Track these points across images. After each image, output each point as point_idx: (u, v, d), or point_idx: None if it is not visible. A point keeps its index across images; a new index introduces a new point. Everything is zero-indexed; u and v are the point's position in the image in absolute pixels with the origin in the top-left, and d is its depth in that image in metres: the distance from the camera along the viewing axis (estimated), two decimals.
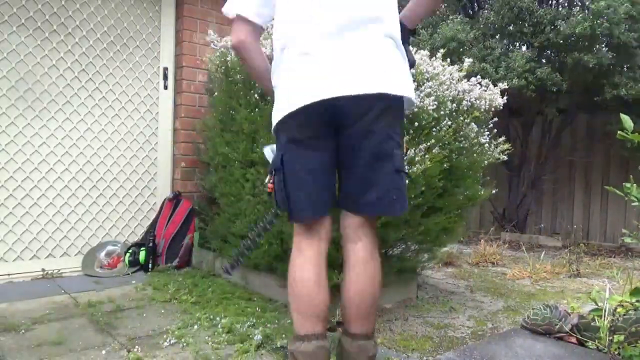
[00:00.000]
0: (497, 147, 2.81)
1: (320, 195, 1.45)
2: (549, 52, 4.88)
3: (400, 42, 1.47)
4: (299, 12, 1.43)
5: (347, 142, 1.44)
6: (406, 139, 1.95)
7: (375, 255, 1.47)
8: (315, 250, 1.46)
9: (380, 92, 1.35)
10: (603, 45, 4.53)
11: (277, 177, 1.45)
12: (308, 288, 1.42)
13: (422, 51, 2.53)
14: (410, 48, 1.58)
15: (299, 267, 1.45)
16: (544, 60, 4.89)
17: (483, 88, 2.72)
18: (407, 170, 1.54)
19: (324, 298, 1.43)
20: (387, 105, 1.40)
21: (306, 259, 1.45)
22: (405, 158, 1.62)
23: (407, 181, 1.56)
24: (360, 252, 1.47)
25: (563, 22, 4.50)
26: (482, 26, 5.12)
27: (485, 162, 2.75)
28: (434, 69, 2.50)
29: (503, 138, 2.92)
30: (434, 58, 2.58)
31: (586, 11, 4.52)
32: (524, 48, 4.98)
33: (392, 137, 1.42)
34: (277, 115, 1.46)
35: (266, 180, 1.50)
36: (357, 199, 1.46)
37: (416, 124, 2.26)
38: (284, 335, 2.06)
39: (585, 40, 4.39)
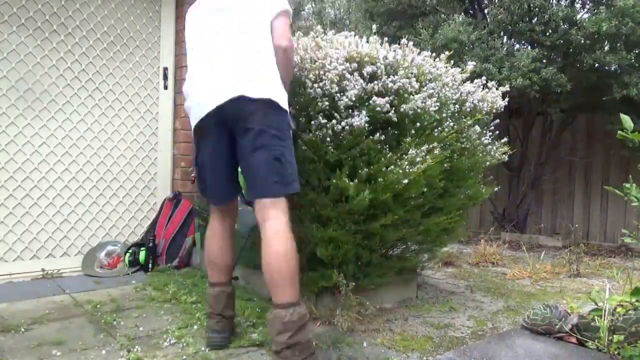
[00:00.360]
0: (498, 149, 2.82)
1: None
2: (561, 51, 4.74)
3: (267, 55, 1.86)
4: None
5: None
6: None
7: (281, 233, 1.70)
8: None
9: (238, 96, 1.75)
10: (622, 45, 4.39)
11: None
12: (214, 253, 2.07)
13: (424, 52, 2.53)
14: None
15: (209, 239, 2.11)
16: (558, 59, 4.78)
17: (486, 90, 2.72)
18: (287, 157, 1.80)
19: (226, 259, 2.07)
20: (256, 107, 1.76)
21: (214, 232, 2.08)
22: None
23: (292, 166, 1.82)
24: (268, 231, 1.72)
25: (585, 18, 4.38)
26: (488, 24, 5.08)
27: (487, 163, 2.75)
28: (437, 69, 2.50)
29: (505, 139, 2.93)
30: (437, 59, 2.58)
31: (602, 9, 4.41)
32: (529, 47, 4.94)
33: (266, 130, 1.74)
34: None
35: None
36: (251, 185, 1.81)
37: (418, 124, 2.26)
38: None
39: (607, 39, 4.29)
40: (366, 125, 2.11)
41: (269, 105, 1.78)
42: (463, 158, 2.55)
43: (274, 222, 1.72)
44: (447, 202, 2.55)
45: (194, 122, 1.88)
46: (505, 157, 2.88)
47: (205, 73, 1.87)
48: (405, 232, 2.43)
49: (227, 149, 1.86)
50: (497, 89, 2.78)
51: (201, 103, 1.83)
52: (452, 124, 2.40)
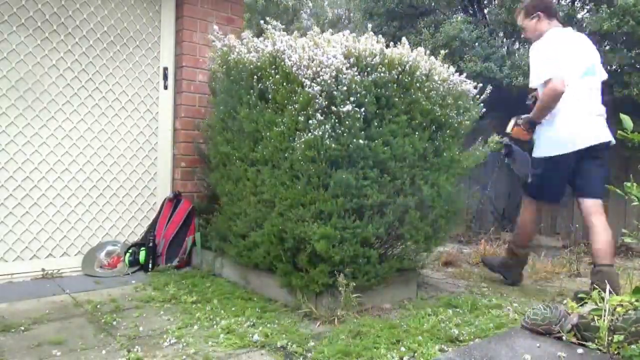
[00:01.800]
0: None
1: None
2: None
3: None
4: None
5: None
6: None
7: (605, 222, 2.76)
8: None
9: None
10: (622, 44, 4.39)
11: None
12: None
13: (419, 48, 2.55)
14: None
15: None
16: None
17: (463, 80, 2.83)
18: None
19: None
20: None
21: None
22: None
23: None
24: (597, 222, 2.75)
25: (586, 17, 4.38)
26: (488, 23, 5.09)
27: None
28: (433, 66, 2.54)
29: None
30: (437, 59, 2.62)
31: (603, 7, 4.40)
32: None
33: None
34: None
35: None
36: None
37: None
38: (283, 335, 2.06)
39: (608, 38, 4.27)
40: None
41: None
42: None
43: (602, 218, 2.77)
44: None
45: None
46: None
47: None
48: (404, 230, 2.44)
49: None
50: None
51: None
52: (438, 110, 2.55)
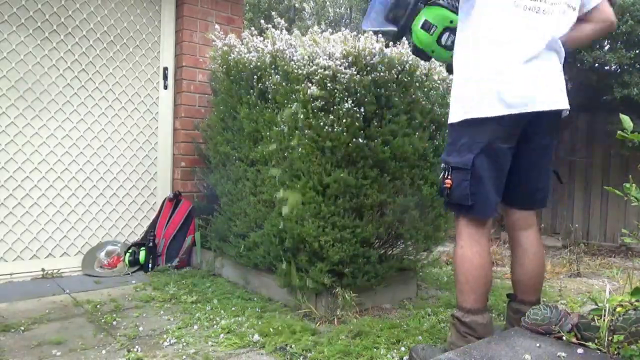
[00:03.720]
0: None
1: (498, 197, 1.76)
2: None
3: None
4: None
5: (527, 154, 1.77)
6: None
7: (540, 240, 1.88)
8: (487, 241, 1.77)
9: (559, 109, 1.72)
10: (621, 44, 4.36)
11: (460, 175, 1.67)
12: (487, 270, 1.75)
13: None
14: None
15: (477, 255, 1.72)
16: None
17: None
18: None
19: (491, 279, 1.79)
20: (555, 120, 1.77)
21: (482, 247, 1.74)
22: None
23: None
24: (530, 238, 1.85)
25: None
26: None
27: None
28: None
29: None
30: None
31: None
32: None
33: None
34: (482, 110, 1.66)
35: (441, 176, 1.74)
36: (529, 198, 1.85)
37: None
38: (283, 336, 2.06)
39: (607, 38, 4.25)
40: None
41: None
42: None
43: (534, 229, 1.88)
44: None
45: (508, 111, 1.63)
46: None
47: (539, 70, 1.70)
48: (404, 230, 2.44)
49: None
50: None
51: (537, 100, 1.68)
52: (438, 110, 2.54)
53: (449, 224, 2.74)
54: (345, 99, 2.17)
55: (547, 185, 1.87)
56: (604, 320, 1.69)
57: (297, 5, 10.09)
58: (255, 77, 2.57)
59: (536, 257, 1.86)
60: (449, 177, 1.70)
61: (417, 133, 2.45)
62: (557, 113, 1.77)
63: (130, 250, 3.21)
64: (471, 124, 1.67)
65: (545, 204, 1.92)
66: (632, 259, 4.42)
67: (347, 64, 2.20)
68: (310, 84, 2.17)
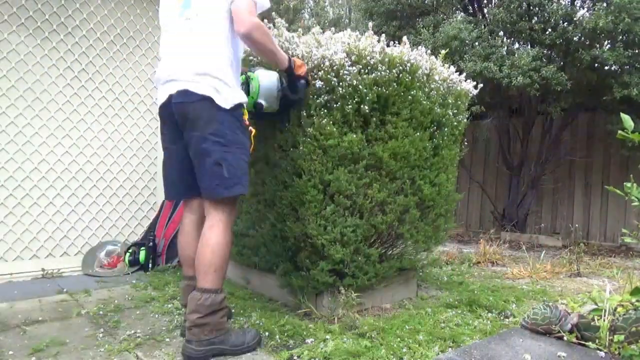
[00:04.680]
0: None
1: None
2: (560, 49, 4.73)
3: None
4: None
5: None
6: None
7: (215, 228, 1.86)
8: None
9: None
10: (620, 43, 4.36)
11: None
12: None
13: (421, 47, 2.55)
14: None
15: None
16: (558, 57, 4.76)
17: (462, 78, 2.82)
18: (229, 161, 1.84)
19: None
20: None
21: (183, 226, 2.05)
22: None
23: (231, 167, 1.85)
24: (205, 225, 1.89)
25: (585, 16, 4.37)
26: (488, 23, 5.08)
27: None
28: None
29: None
30: (438, 58, 2.62)
31: (604, 4, 4.39)
32: (529, 46, 4.93)
33: (207, 138, 1.82)
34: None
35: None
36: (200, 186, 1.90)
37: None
38: (283, 335, 2.06)
39: (605, 36, 4.28)
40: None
41: (210, 106, 1.82)
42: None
43: (212, 218, 1.88)
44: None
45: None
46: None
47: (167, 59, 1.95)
48: (404, 230, 2.43)
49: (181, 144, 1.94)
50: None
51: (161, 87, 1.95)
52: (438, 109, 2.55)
53: (449, 224, 2.75)
54: (348, 96, 2.17)
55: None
56: (604, 320, 1.69)
57: (293, 4, 10.07)
58: None
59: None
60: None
61: (417, 133, 2.45)
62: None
63: (130, 250, 3.21)
64: None
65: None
66: (632, 258, 4.43)
67: (349, 62, 2.20)
68: (314, 81, 2.17)
